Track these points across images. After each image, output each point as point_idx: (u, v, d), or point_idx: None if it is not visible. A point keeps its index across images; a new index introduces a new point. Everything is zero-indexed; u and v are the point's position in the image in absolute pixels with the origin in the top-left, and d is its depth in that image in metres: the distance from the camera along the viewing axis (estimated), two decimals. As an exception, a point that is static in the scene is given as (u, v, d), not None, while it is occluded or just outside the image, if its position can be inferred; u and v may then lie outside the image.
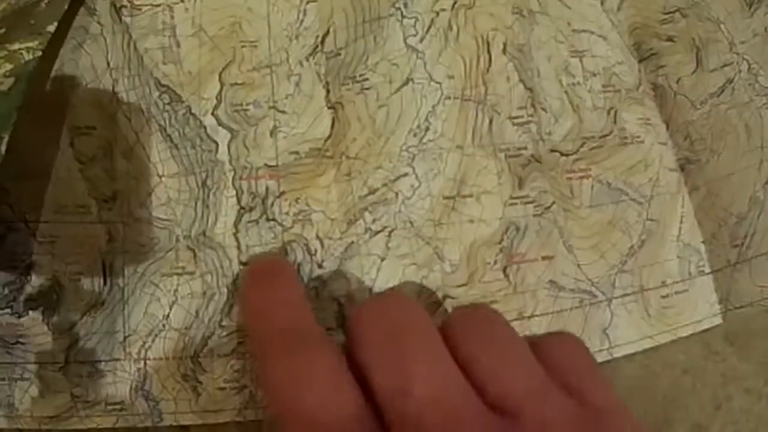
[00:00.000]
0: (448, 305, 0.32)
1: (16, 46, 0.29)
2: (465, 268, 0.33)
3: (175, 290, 0.31)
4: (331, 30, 0.35)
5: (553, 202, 0.34)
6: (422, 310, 0.27)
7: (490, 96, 0.35)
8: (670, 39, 0.39)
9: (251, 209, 0.32)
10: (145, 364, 0.30)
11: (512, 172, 0.34)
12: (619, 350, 0.35)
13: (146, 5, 0.33)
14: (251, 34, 0.35)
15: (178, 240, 0.32)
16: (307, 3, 0.36)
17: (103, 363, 0.30)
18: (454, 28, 0.35)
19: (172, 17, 0.34)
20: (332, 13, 0.36)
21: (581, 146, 0.36)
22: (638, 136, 0.37)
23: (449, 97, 0.34)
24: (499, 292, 0.33)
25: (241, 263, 0.32)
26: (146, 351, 0.31)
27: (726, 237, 0.37)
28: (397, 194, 0.33)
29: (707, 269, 0.36)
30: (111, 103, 0.32)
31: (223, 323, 0.31)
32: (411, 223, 0.33)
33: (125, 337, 0.31)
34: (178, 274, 0.32)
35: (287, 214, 0.32)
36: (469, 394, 0.24)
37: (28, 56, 0.28)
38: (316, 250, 0.32)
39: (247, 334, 0.31)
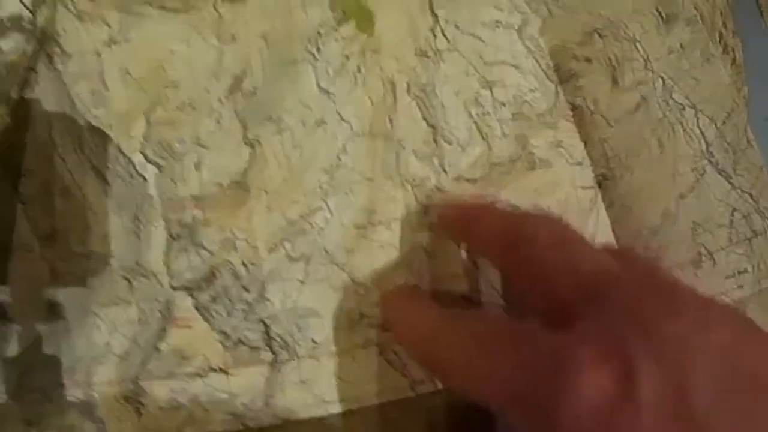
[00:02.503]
0: (365, 323, 0.55)
1: (-18, 107, 0.48)
2: (376, 289, 0.56)
3: (114, 319, 0.53)
4: (248, 71, 0.58)
5: None
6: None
7: (396, 132, 0.59)
8: (587, 59, 0.66)
9: (179, 237, 0.54)
10: (91, 389, 0.51)
11: (418, 200, 0.58)
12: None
13: (76, 52, 0.54)
14: (173, 76, 0.57)
15: (114, 272, 0.53)
16: (225, 44, 0.58)
17: (51, 390, 0.50)
18: (362, 71, 0.60)
19: (100, 62, 0.55)
20: (249, 55, 0.58)
21: (489, 172, 0.61)
22: (547, 160, 0.63)
23: (359, 134, 0.59)
24: None
25: (172, 288, 0.53)
26: (91, 377, 0.53)
27: (640, 248, 0.62)
28: (312, 225, 0.56)
29: None
30: (47, 147, 0.54)
31: (159, 347, 0.52)
32: (326, 250, 0.56)
33: (70, 365, 0.51)
34: (115, 303, 0.53)
35: (213, 240, 0.55)
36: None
37: (-4, 118, 0.48)
38: (242, 275, 0.55)
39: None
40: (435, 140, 0.61)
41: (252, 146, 0.58)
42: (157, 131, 0.56)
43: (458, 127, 0.61)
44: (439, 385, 0.57)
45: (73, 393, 0.52)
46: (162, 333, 0.54)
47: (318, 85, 0.60)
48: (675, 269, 0.62)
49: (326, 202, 0.58)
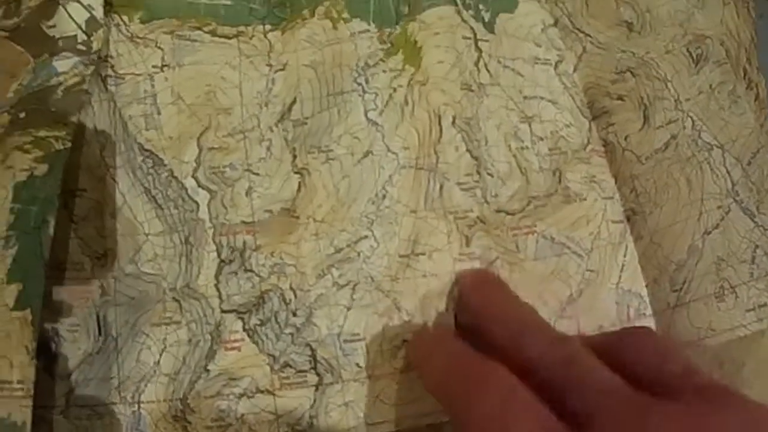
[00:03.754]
0: (406, 350, 0.54)
1: (43, 133, 0.47)
2: (420, 316, 0.55)
3: (164, 339, 0.52)
4: (298, 99, 0.58)
5: (497, 257, 0.58)
6: None
7: (440, 164, 0.60)
8: (620, 98, 0.66)
9: (231, 261, 0.53)
10: (139, 407, 0.50)
11: (460, 231, 0.58)
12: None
13: (129, 74, 0.54)
14: (225, 102, 0.56)
15: (164, 292, 0.52)
16: (275, 72, 0.58)
17: (100, 407, 0.49)
18: (410, 102, 0.60)
19: (153, 86, 0.54)
20: (298, 84, 0.58)
21: (527, 205, 0.61)
22: (581, 194, 0.63)
23: (404, 167, 0.59)
24: None
25: (222, 311, 0.52)
26: (139, 395, 0.52)
27: (666, 282, 0.62)
28: (359, 253, 0.56)
29: (648, 312, 0.61)
30: (99, 167, 0.52)
31: (209, 368, 0.51)
32: (372, 278, 0.55)
33: (120, 383, 0.51)
34: (166, 323, 0.52)
35: (263, 265, 0.54)
36: None
37: (58, 145, 0.47)
38: (290, 300, 0.54)
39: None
40: (478, 172, 0.60)
41: (301, 174, 0.57)
42: (209, 156, 0.56)
43: (499, 161, 0.61)
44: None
45: (122, 411, 0.51)
46: (211, 354, 0.53)
47: (366, 116, 0.59)
48: (699, 302, 0.63)
49: (372, 232, 0.57)
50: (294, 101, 0.58)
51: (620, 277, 0.63)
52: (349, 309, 0.56)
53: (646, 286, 0.63)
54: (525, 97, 0.65)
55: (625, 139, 0.65)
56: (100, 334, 0.51)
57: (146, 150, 0.54)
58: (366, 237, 0.58)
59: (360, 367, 0.55)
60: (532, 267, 0.61)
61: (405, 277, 0.58)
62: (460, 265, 0.59)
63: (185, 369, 0.53)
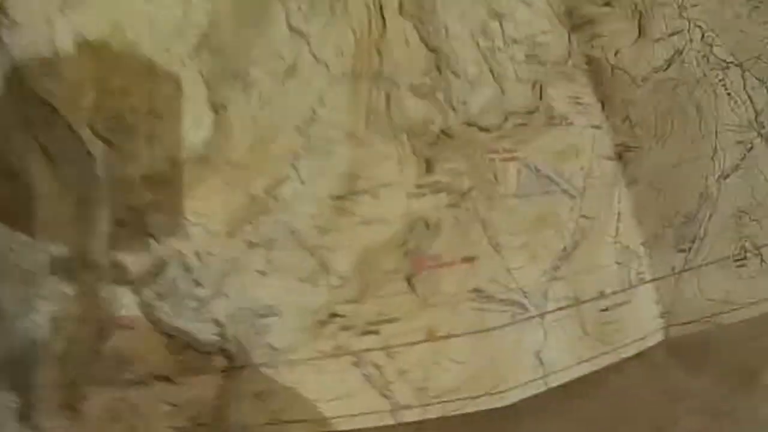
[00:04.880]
0: (336, 325, 0.40)
1: None
2: (357, 280, 0.40)
3: (55, 315, 0.43)
4: (215, 23, 0.45)
5: (472, 188, 0.41)
6: None
7: (386, 66, 0.45)
8: (607, 3, 0.47)
9: (126, 224, 0.43)
10: (30, 392, 0.42)
11: (417, 154, 0.42)
12: (554, 378, 0.40)
13: (25, 21, 0.46)
14: (132, 36, 0.47)
15: (57, 263, 0.43)
16: None
17: None
18: None
19: (52, 29, 0.46)
20: (217, 2, 0.45)
21: (504, 121, 0.42)
22: (567, 117, 0.45)
23: (338, 78, 0.45)
24: (401, 308, 0.40)
25: (115, 282, 0.42)
26: (30, 379, 0.43)
27: (670, 239, 0.44)
28: (278, 200, 0.42)
29: (648, 276, 0.41)
30: None
31: (99, 349, 0.42)
32: (292, 232, 0.41)
33: (8, 365, 0.43)
34: (58, 298, 0.43)
35: (163, 227, 0.42)
36: None
37: None
38: (193, 267, 0.42)
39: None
40: (438, 68, 0.44)
41: (216, 111, 0.45)
42: (109, 102, 0.46)
43: (466, 59, 0.44)
44: (429, 414, 0.39)
45: (11, 397, 0.44)
46: (103, 333, 0.44)
47: (289, 25, 0.45)
48: (713, 267, 0.44)
49: (296, 170, 0.44)
50: (212, 26, 0.46)
51: (617, 228, 0.45)
52: (263, 275, 0.43)
53: (644, 243, 0.45)
54: None
55: (615, 54, 0.48)
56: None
57: (42, 101, 0.46)
58: (288, 178, 0.44)
59: (275, 349, 0.42)
60: (516, 205, 0.43)
61: (338, 228, 0.43)
62: (418, 204, 0.42)
63: (76, 350, 0.44)
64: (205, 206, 0.44)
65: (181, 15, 0.48)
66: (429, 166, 0.42)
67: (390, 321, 0.41)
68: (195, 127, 0.46)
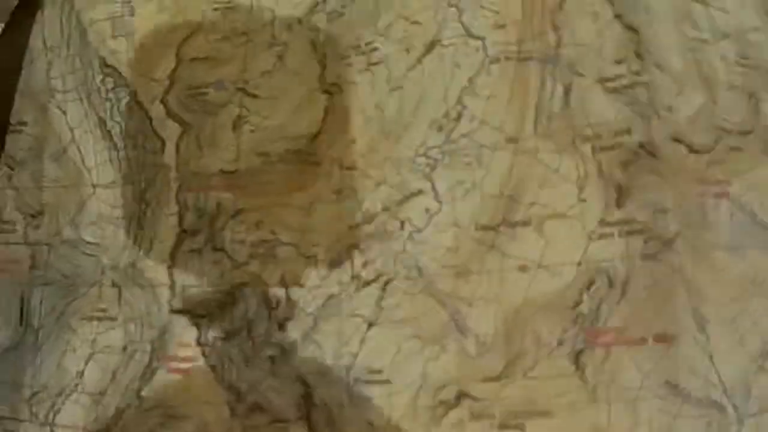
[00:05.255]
0: (466, 410, 0.28)
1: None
2: (502, 349, 0.29)
3: (94, 340, 0.35)
4: None
5: (678, 233, 0.28)
6: None
7: (565, 48, 0.32)
8: None
9: (195, 233, 0.33)
10: (51, 430, 0.33)
11: (606, 175, 0.30)
12: None
13: None
14: None
15: (103, 272, 0.35)
16: None
17: (5, 420, 0.33)
18: None
19: None
20: None
21: (716, 142, 0.30)
22: None
23: (498, 59, 0.32)
24: (561, 398, 0.28)
25: (171, 310, 0.32)
26: (54, 415, 0.34)
27: None
28: (403, 224, 0.30)
29: None
30: (44, 92, 0.36)
31: (143, 393, 0.32)
32: (419, 270, 0.30)
33: (33, 394, 0.34)
34: (98, 318, 0.35)
35: (242, 243, 0.32)
36: None
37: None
38: (278, 302, 0.31)
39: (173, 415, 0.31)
40: (640, 55, 0.31)
41: (330, 93, 0.34)
42: (189, 72, 0.36)
43: (671, 47, 0.31)
44: None
45: (30, 431, 0.33)
46: (149, 373, 0.33)
47: None
48: None
49: (431, 182, 0.31)
50: None
51: None
52: (372, 324, 0.31)
53: None
54: None
55: None
56: (21, 322, 0.35)
57: (108, 66, 0.36)
58: (420, 193, 0.32)
59: (374, 429, 0.30)
60: (727, 263, 0.29)
61: (483, 272, 0.31)
62: (602, 249, 0.30)
63: (113, 389, 0.33)
64: (304, 220, 0.33)
65: (295, -35, 0.38)
66: (621, 196, 0.29)
67: (542, 415, 0.29)
68: (299, 114, 0.35)
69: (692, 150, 0.33)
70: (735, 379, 0.30)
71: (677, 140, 0.32)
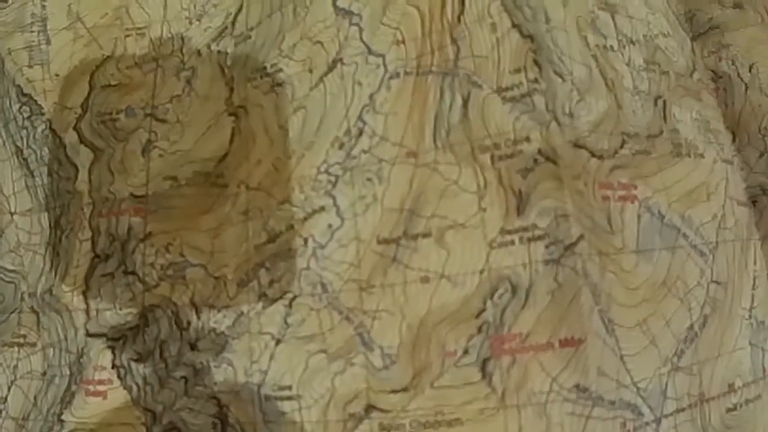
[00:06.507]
0: (375, 422, 0.27)
1: None
2: (408, 361, 0.28)
3: (15, 366, 0.35)
4: (246, 3, 0.34)
5: (581, 237, 0.28)
6: None
7: (463, 60, 0.31)
8: (737, 5, 0.35)
9: (107, 258, 0.32)
10: None
11: (506, 184, 0.30)
12: None
13: None
14: (140, 19, 0.36)
15: (23, 298, 0.34)
16: None
17: None
18: None
19: (44, 7, 0.36)
20: None
21: (620, 146, 0.31)
22: (696, 147, 0.33)
23: (397, 75, 0.32)
24: (469, 406, 0.28)
25: (87, 333, 0.31)
26: None
27: None
28: (306, 241, 0.30)
29: None
30: None
31: (63, 417, 0.32)
32: (323, 286, 0.29)
33: None
34: (19, 344, 0.34)
35: (152, 266, 0.31)
36: None
37: None
38: (189, 322, 0.30)
39: None
40: (538, 63, 0.30)
41: (236, 116, 0.33)
42: (101, 99, 0.35)
43: (572, 56, 0.31)
44: None
45: None
46: (68, 397, 0.32)
47: (334, 5, 0.33)
48: None
49: (333, 198, 0.31)
50: (240, 8, 0.35)
51: (753, 296, 0.32)
52: (279, 342, 0.31)
53: None
54: None
55: (750, 69, 0.35)
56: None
57: (25, 95, 0.35)
58: (322, 210, 0.31)
59: None
60: (634, 266, 0.29)
61: (387, 283, 0.30)
62: (504, 257, 0.29)
63: (35, 413, 0.32)
64: (211, 242, 0.32)
65: (204, -9, 0.37)
66: (521, 203, 0.29)
67: (451, 424, 0.28)
68: (207, 137, 0.34)
69: (595, 155, 0.33)
70: (649, 380, 0.30)
71: (579, 146, 0.32)
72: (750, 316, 0.32)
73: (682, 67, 0.34)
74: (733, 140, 0.35)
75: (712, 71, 0.35)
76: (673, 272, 0.31)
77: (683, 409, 0.30)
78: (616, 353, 0.29)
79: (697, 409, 0.30)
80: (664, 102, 0.33)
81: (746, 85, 0.35)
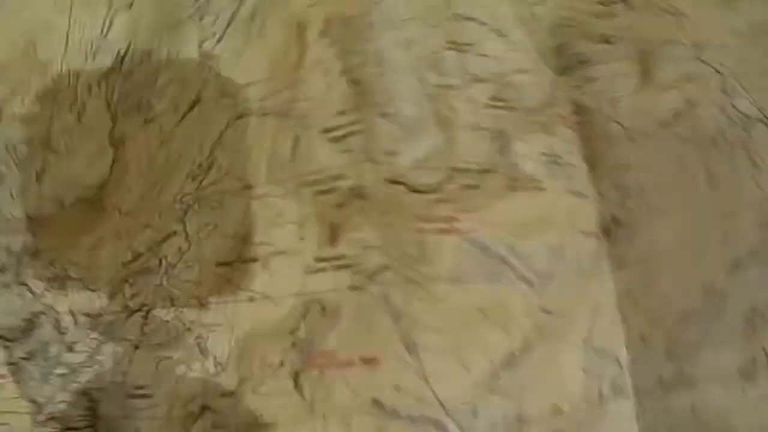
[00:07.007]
0: (208, 422, 0.31)
1: None
2: (235, 369, 0.32)
3: None
4: (133, 44, 0.37)
5: (386, 267, 0.31)
6: None
7: (300, 103, 0.35)
8: (606, 40, 0.36)
9: (5, 270, 0.36)
10: None
11: (321, 218, 0.33)
12: None
13: None
14: (44, 56, 0.39)
15: None
16: (116, 11, 0.38)
17: None
18: (259, 15, 0.36)
19: None
20: (139, 22, 0.38)
21: (446, 181, 0.33)
22: (538, 180, 0.34)
23: (242, 115, 0.36)
24: (283, 411, 0.31)
25: None
26: None
27: (660, 343, 0.33)
28: (161, 261, 0.33)
29: (628, 388, 0.32)
30: None
31: None
32: (171, 300, 0.33)
33: None
34: None
35: (40, 278, 0.35)
36: None
37: None
38: (67, 328, 0.34)
39: None
40: (359, 107, 0.33)
41: (116, 147, 0.37)
42: (9, 130, 0.39)
43: (403, 97, 0.33)
44: None
45: None
46: None
47: (200, 48, 0.36)
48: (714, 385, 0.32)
49: (184, 224, 0.35)
50: (129, 48, 0.38)
51: (591, 327, 0.33)
52: (136, 347, 0.35)
53: (627, 345, 0.33)
54: (456, 15, 0.35)
55: (612, 104, 0.36)
56: None
57: None
58: (174, 234, 0.35)
59: None
60: (447, 293, 0.32)
61: (221, 301, 0.34)
62: (316, 282, 0.33)
63: None
64: (89, 259, 0.36)
65: (99, 33, 0.41)
66: (334, 235, 0.32)
67: (268, 427, 0.32)
68: (91, 165, 0.38)
69: (414, 190, 0.35)
70: (458, 400, 0.33)
71: (396, 182, 0.35)
72: (586, 344, 0.34)
73: (536, 103, 0.36)
74: (590, 171, 0.36)
75: (576, 104, 0.36)
76: (492, 300, 0.33)
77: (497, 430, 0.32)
78: (419, 374, 0.32)
79: (516, 430, 0.32)
80: (507, 137, 0.35)
81: (606, 117, 0.36)
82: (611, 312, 0.34)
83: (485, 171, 0.34)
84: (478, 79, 0.35)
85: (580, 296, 0.33)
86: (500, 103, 0.35)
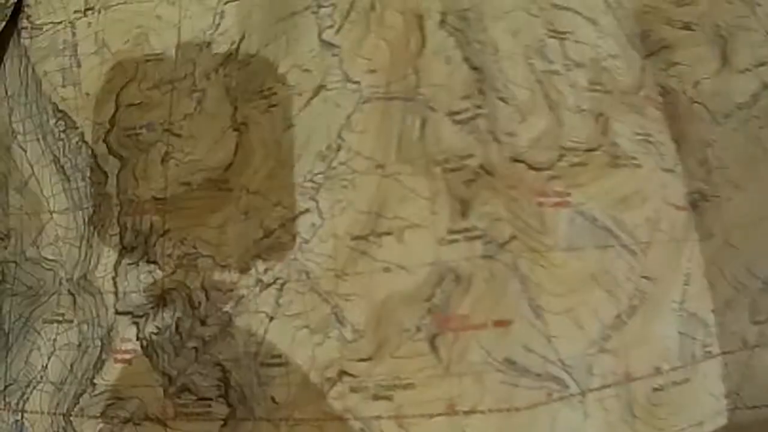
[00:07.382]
0: (346, 385, 0.33)
1: None
2: (372, 335, 0.34)
3: (54, 339, 0.40)
4: (247, 34, 0.39)
5: (514, 237, 0.33)
6: None
7: (423, 88, 0.37)
8: (686, 26, 0.39)
9: (133, 249, 0.38)
10: (22, 416, 0.39)
11: (452, 192, 0.36)
12: (590, 470, 0.32)
13: (47, 24, 0.41)
14: (158, 46, 0.42)
15: (61, 283, 0.40)
16: (226, 3, 0.40)
17: None
18: (378, 6, 0.39)
19: (74, 34, 0.41)
20: (251, 13, 0.39)
21: (558, 159, 0.35)
22: (635, 158, 0.37)
23: (369, 99, 0.38)
24: (420, 373, 0.34)
25: (116, 312, 0.37)
26: (24, 403, 0.41)
27: (745, 308, 0.36)
28: (294, 237, 0.35)
29: (716, 350, 0.35)
30: (7, 135, 0.40)
31: (95, 380, 0.37)
32: (307, 273, 0.35)
33: (6, 386, 0.39)
34: (58, 321, 0.40)
35: (170, 256, 0.37)
36: None
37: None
38: (199, 303, 0.36)
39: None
40: (482, 92, 0.36)
41: (239, 131, 0.39)
42: (126, 115, 0.41)
43: (517, 82, 0.36)
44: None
45: (4, 418, 0.40)
46: (99, 364, 0.39)
47: (320, 38, 0.39)
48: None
49: (317, 202, 0.37)
50: (243, 37, 0.40)
51: (684, 291, 0.36)
52: (272, 319, 0.37)
53: (714, 311, 0.36)
54: (554, 5, 0.38)
55: (695, 86, 0.38)
56: (-7, 327, 0.40)
57: (60, 111, 0.42)
58: (307, 211, 0.37)
59: (277, 403, 0.35)
60: (564, 260, 0.35)
61: (357, 272, 0.36)
62: (449, 252, 0.35)
63: (71, 378, 0.40)
64: (218, 237, 0.38)
65: (210, 24, 0.42)
66: (464, 209, 0.35)
67: (405, 387, 0.34)
68: (215, 149, 0.40)
69: (532, 167, 0.38)
70: (575, 359, 0.36)
71: (517, 160, 0.37)
72: (681, 308, 0.37)
73: (627, 86, 0.39)
74: (678, 149, 0.39)
75: (662, 87, 0.39)
76: (601, 267, 0.36)
77: (608, 386, 0.35)
78: (544, 334, 0.35)
79: (624, 387, 0.35)
80: (606, 119, 0.38)
81: (690, 99, 0.39)
82: (700, 279, 0.37)
83: (590, 150, 0.37)
84: (578, 65, 0.38)
85: (674, 264, 0.37)
86: (598, 87, 0.38)
